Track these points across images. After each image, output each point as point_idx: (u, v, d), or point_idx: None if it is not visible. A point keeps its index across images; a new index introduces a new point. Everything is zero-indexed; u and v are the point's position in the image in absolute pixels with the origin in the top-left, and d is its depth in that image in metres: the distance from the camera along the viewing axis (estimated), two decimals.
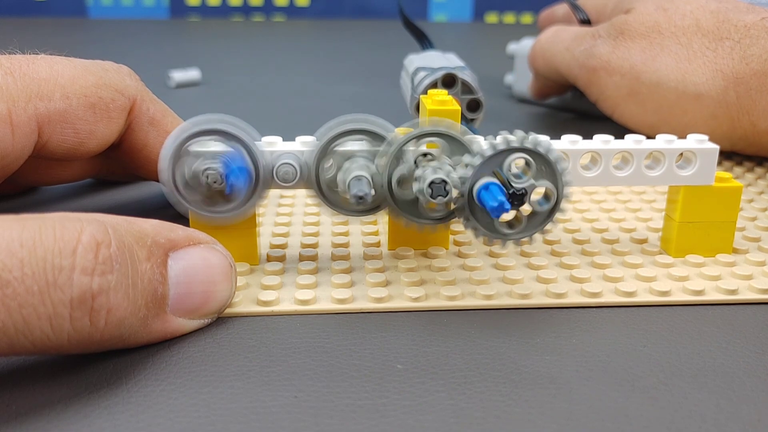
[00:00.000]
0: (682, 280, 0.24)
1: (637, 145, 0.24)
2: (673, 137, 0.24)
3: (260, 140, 0.22)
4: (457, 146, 0.22)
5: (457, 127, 0.22)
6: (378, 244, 0.26)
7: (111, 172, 0.32)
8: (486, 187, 0.21)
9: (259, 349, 0.20)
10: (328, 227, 0.28)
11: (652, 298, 0.23)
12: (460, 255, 0.25)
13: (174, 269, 0.19)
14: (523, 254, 0.25)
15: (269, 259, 0.25)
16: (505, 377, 0.19)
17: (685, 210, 0.25)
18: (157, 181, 0.28)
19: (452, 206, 0.22)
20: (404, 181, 0.22)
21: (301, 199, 0.31)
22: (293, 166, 0.22)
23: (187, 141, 0.22)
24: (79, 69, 0.25)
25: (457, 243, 0.26)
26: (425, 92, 0.33)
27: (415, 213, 0.23)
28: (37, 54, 0.25)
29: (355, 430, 0.16)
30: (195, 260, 0.19)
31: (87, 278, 0.16)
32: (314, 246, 0.26)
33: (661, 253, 0.26)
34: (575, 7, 0.46)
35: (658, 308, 0.22)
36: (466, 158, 0.21)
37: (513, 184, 0.21)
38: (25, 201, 0.31)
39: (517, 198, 0.21)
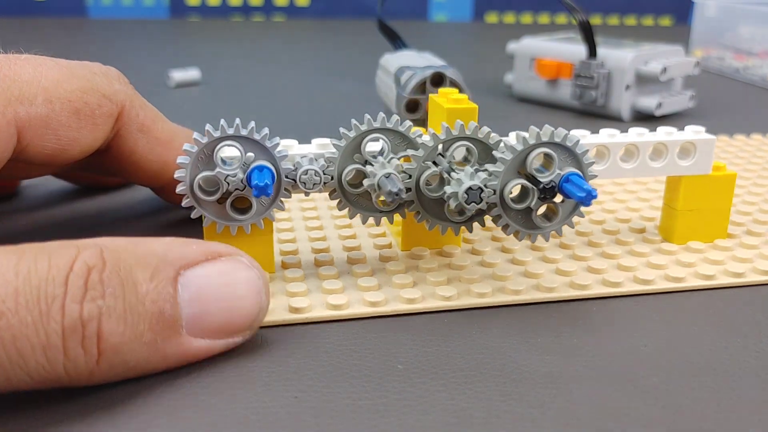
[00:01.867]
0: (691, 266, 0.25)
1: (641, 138, 0.25)
2: (673, 129, 0.26)
3: (280, 145, 0.22)
4: (484, 148, 0.22)
5: (485, 131, 0.22)
6: (390, 246, 0.26)
7: (95, 179, 0.31)
8: (567, 179, 0.21)
9: (259, 349, 0.20)
10: (332, 231, 0.27)
11: (668, 284, 0.24)
12: (474, 252, 0.25)
13: (186, 288, 0.18)
14: (534, 248, 0.26)
15: (285, 266, 0.24)
16: (506, 377, 0.19)
17: (686, 199, 0.26)
18: (146, 185, 0.27)
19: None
20: (433, 182, 0.22)
21: (296, 203, 0.31)
22: (317, 171, 0.22)
23: (208, 148, 0.21)
24: (65, 72, 0.23)
25: (467, 240, 0.26)
26: (414, 92, 0.33)
27: (441, 215, 0.23)
28: (22, 53, 0.23)
29: (355, 431, 0.16)
30: (211, 276, 0.18)
31: (77, 306, 0.16)
32: (326, 251, 0.25)
33: (663, 242, 0.27)
34: (572, 9, 0.46)
35: (658, 309, 0.22)
36: (489, 167, 0.21)
37: (540, 179, 0.21)
38: (16, 205, 0.31)
39: (548, 191, 0.21)
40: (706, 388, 0.18)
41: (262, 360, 0.19)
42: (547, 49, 0.51)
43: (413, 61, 0.36)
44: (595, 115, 0.48)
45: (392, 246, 0.26)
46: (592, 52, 0.46)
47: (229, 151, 0.21)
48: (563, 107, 0.50)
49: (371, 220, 0.23)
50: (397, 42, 0.44)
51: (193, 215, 0.22)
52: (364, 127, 0.22)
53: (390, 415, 0.17)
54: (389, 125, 0.22)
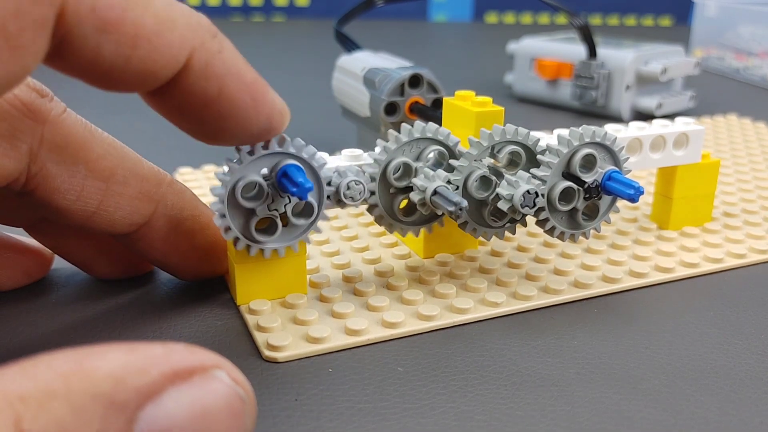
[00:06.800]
0: (693, 251, 0.26)
1: (642, 132, 0.26)
2: (668, 122, 0.27)
3: (323, 159, 0.20)
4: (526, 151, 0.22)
5: (523, 133, 0.22)
6: (409, 255, 0.25)
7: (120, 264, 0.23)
8: (609, 177, 0.22)
9: (259, 351, 0.20)
10: (342, 244, 0.26)
11: (687, 271, 0.25)
12: (494, 254, 0.25)
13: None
14: (548, 245, 0.26)
15: (315, 285, 0.23)
16: (507, 379, 0.19)
17: (680, 187, 0.27)
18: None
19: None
20: (484, 187, 0.22)
21: None
22: (362, 183, 0.21)
23: (249, 166, 0.19)
24: None
25: (481, 243, 0.26)
26: (392, 94, 0.33)
27: (480, 220, 0.23)
28: None
29: None
30: (178, 412, 0.13)
31: None
32: (346, 266, 0.24)
33: (659, 230, 0.28)
34: (571, 15, 0.46)
35: (658, 309, 0.22)
36: (536, 171, 0.21)
37: (584, 179, 0.21)
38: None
39: (593, 190, 0.22)
40: (708, 391, 0.18)
41: (262, 362, 0.19)
42: (548, 49, 0.50)
43: (379, 62, 0.36)
44: (596, 115, 0.48)
45: (411, 255, 0.25)
46: (592, 53, 0.46)
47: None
48: (563, 107, 0.50)
49: (410, 232, 0.23)
50: (348, 44, 0.43)
51: (253, 253, 0.20)
52: (405, 138, 0.21)
53: (390, 418, 0.17)
54: (429, 134, 0.22)
